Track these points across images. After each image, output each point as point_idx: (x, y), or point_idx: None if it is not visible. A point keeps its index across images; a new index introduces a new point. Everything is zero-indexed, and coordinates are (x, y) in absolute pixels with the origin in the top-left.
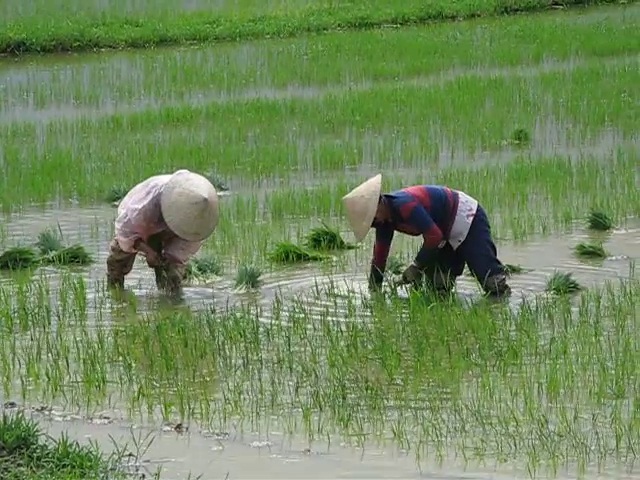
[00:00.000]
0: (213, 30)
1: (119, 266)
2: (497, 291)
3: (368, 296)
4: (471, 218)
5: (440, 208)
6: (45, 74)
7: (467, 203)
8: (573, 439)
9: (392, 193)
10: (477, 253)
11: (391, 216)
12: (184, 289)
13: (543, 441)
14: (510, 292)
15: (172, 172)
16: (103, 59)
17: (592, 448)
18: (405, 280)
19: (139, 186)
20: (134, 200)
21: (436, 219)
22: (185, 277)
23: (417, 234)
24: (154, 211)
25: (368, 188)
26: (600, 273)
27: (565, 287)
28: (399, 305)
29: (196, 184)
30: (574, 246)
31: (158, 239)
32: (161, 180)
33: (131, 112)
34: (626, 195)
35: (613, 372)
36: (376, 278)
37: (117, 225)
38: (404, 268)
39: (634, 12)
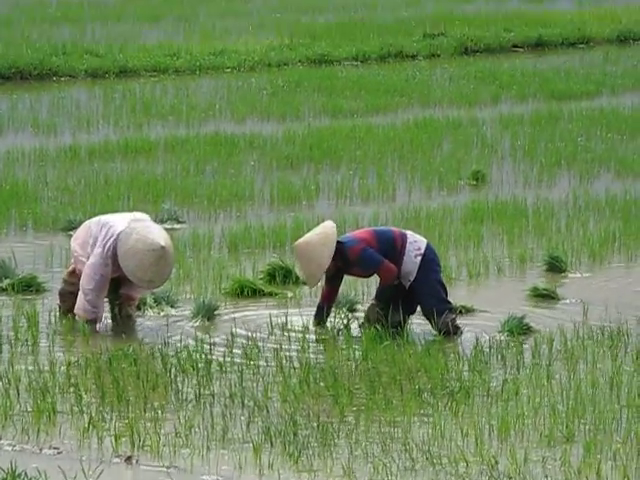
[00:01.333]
0: (173, 62)
1: (71, 297)
2: (448, 331)
3: (322, 333)
4: (419, 258)
5: (389, 249)
6: (3, 102)
7: (415, 243)
8: None
9: (340, 238)
10: (427, 293)
11: (340, 261)
12: (138, 321)
13: None
14: (461, 332)
15: (129, 207)
16: (62, 88)
17: None
18: (368, 320)
19: (94, 227)
20: (96, 253)
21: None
22: (139, 308)
23: (367, 276)
24: (114, 259)
25: (323, 237)
26: (553, 316)
27: (519, 329)
28: (352, 343)
29: (153, 232)
30: (528, 288)
31: (117, 280)
32: (116, 225)
33: (89, 142)
34: (581, 239)
35: (564, 415)
36: (319, 320)
37: (85, 286)
38: (359, 306)
39: (593, 57)
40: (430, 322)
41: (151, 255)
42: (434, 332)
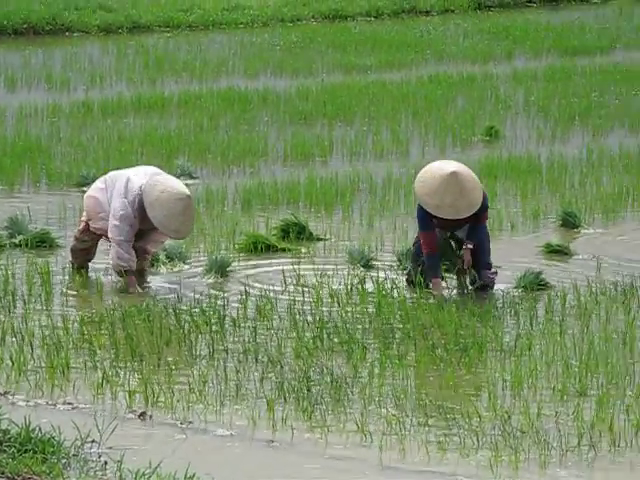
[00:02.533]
0: (186, 18)
1: (82, 254)
2: (487, 285)
3: (335, 288)
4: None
5: None
6: (16, 57)
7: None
8: (535, 436)
9: None
10: (486, 245)
11: None
12: (151, 277)
13: (506, 437)
14: (492, 289)
15: (142, 163)
16: (75, 44)
17: (554, 445)
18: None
19: (109, 182)
20: (122, 206)
21: None
22: (152, 265)
23: (455, 225)
24: (139, 212)
25: (476, 183)
26: (567, 272)
27: (534, 285)
28: (366, 298)
29: (176, 183)
30: (541, 244)
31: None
32: (136, 179)
33: (102, 98)
34: (594, 195)
35: (577, 370)
36: (435, 273)
37: (117, 237)
38: (373, 262)
39: (606, 12)
40: (476, 271)
41: (178, 204)
42: (469, 282)
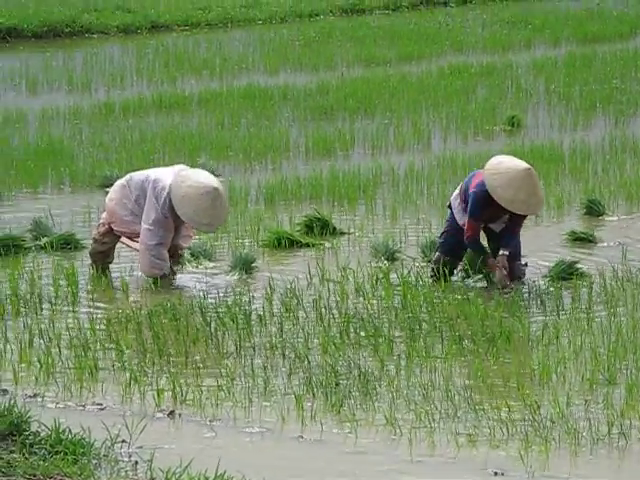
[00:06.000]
0: (205, 16)
1: (101, 257)
2: (519, 277)
3: (360, 282)
4: None
5: None
6: (37, 60)
7: None
8: (565, 425)
9: None
10: (518, 239)
11: None
12: (176, 275)
13: (535, 427)
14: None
15: (164, 162)
16: (95, 45)
17: (584, 434)
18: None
19: (133, 184)
20: (151, 209)
21: None
22: (178, 263)
23: (494, 218)
24: (171, 211)
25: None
26: (592, 259)
27: (564, 274)
28: (391, 291)
29: (204, 176)
30: (566, 232)
31: None
32: (163, 178)
33: (123, 98)
34: (618, 181)
35: (605, 358)
36: (484, 251)
37: (148, 242)
38: (397, 255)
39: None
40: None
41: (206, 198)
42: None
